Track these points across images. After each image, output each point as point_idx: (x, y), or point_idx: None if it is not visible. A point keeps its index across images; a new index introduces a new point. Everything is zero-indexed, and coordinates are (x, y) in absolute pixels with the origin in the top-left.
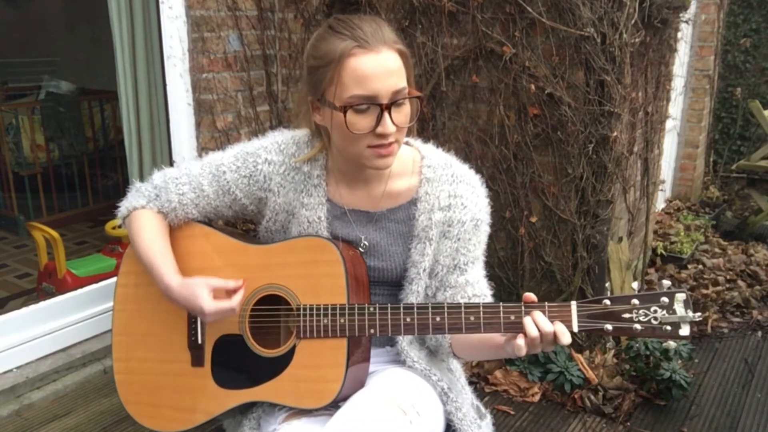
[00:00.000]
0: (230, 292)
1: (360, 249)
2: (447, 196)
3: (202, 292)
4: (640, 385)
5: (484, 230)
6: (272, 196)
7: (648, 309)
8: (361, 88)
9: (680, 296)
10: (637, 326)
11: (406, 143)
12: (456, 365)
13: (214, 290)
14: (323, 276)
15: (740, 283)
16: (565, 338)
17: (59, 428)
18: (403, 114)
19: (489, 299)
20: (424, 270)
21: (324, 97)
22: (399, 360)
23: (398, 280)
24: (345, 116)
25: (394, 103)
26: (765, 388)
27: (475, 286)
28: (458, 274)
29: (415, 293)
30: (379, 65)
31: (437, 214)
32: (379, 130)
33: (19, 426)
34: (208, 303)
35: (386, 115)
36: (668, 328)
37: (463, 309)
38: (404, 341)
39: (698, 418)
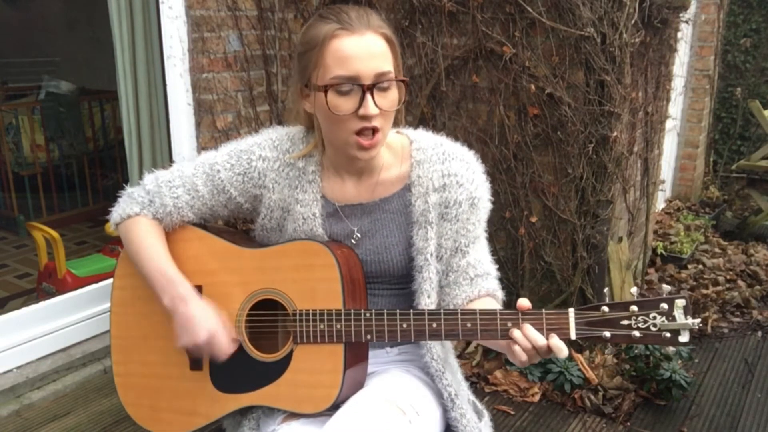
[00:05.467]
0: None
1: (352, 240)
2: (440, 176)
3: (214, 323)
4: (640, 385)
5: (483, 207)
6: (267, 192)
7: (647, 316)
8: (343, 69)
9: (680, 302)
10: (636, 333)
11: (397, 132)
12: (453, 360)
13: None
14: (319, 280)
15: (740, 283)
16: (562, 354)
17: (59, 428)
18: (388, 99)
19: (493, 275)
20: (432, 255)
21: (310, 81)
22: (399, 361)
23: (397, 274)
24: (326, 96)
25: (376, 85)
26: (765, 388)
27: (477, 266)
28: (460, 256)
29: (427, 280)
30: (362, 46)
31: (433, 196)
32: (361, 111)
33: (19, 426)
34: (209, 337)
35: (368, 96)
36: (668, 335)
37: (459, 316)
38: None
39: (698, 418)
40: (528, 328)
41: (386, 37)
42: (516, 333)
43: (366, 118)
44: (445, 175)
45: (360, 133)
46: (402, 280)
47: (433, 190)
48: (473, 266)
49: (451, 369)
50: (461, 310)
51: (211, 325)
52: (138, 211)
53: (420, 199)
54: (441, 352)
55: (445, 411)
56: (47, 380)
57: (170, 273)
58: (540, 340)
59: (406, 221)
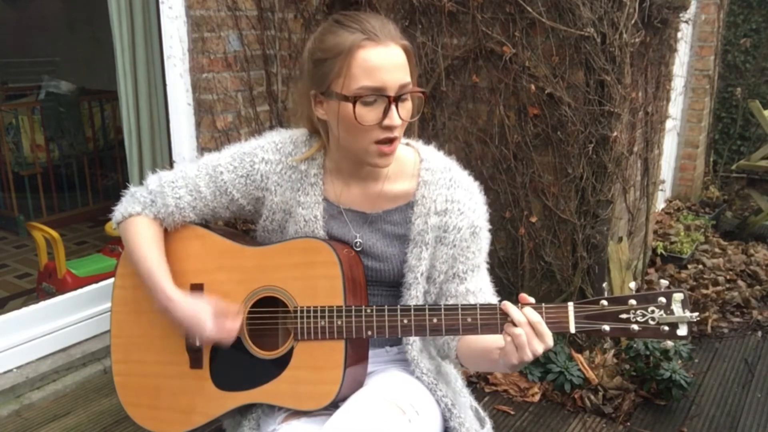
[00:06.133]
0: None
1: (356, 248)
2: (444, 200)
3: (206, 314)
4: (640, 385)
5: (484, 237)
6: (269, 195)
7: (645, 309)
8: (371, 80)
9: (678, 296)
10: (635, 327)
11: (407, 144)
12: (449, 369)
13: (216, 312)
14: (320, 278)
15: (740, 283)
16: (549, 338)
17: (59, 428)
18: (406, 109)
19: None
20: (422, 274)
21: (330, 89)
22: (399, 360)
23: (397, 280)
24: (354, 107)
25: (400, 96)
26: (765, 388)
27: (477, 294)
28: (458, 282)
29: (414, 298)
30: (388, 58)
31: (433, 218)
32: (386, 122)
33: (19, 426)
34: (211, 326)
35: (393, 107)
36: (666, 328)
37: (460, 310)
38: (414, 349)
39: (698, 418)
40: (526, 307)
41: (405, 49)
42: (512, 310)
43: (389, 128)
44: (448, 201)
45: (380, 141)
46: (393, 288)
47: (435, 212)
48: (473, 294)
49: (445, 379)
50: (461, 305)
51: (204, 315)
52: (139, 210)
53: (420, 219)
54: (429, 365)
55: (445, 420)
56: (47, 380)
57: (155, 278)
58: (535, 316)
59: (405, 236)
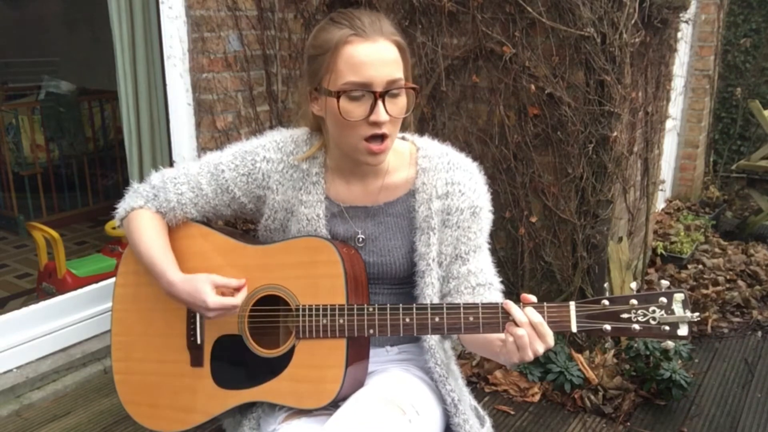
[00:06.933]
0: (233, 291)
1: (356, 243)
2: (444, 183)
3: (206, 287)
4: (640, 385)
5: (485, 217)
6: (271, 194)
7: (646, 309)
8: (356, 75)
9: (678, 296)
10: (636, 326)
11: (402, 138)
12: (455, 366)
13: (217, 287)
14: (322, 276)
15: (740, 283)
16: (551, 339)
17: (59, 428)
18: (398, 106)
19: (496, 286)
20: (434, 260)
21: (321, 85)
22: (399, 360)
23: (399, 276)
24: (338, 102)
25: (388, 92)
26: (765, 388)
27: (478, 275)
28: (460, 263)
29: (429, 285)
30: (375, 53)
31: (436, 202)
32: (372, 118)
33: (19, 426)
34: (212, 298)
35: (380, 103)
36: (666, 328)
37: (462, 309)
38: (433, 338)
39: (698, 418)
40: (528, 307)
41: (398, 44)
42: (514, 310)
43: (376, 124)
44: (448, 183)
45: (370, 139)
46: (404, 281)
47: (437, 197)
48: (474, 274)
49: (453, 375)
50: (464, 303)
51: (204, 290)
52: (142, 204)
53: (424, 205)
54: (444, 357)
55: (448, 416)
56: (47, 380)
57: (159, 265)
58: (537, 317)
59: (409, 226)
